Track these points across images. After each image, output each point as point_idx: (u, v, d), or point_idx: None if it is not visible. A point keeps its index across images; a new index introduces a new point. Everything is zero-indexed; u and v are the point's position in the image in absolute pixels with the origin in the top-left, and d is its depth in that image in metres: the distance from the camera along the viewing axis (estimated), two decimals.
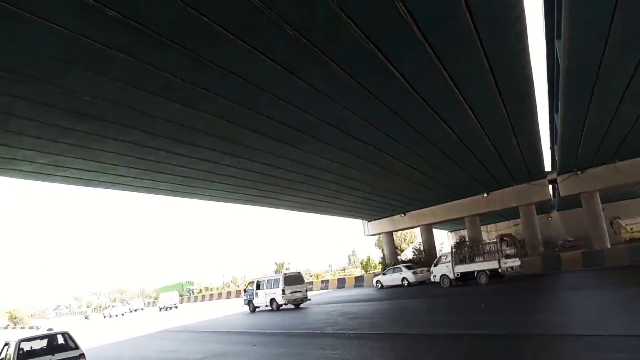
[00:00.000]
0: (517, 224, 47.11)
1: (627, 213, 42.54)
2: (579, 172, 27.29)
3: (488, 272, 23.22)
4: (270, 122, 13.61)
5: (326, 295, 33.09)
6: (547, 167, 27.94)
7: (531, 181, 29.70)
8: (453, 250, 25.49)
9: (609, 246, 27.65)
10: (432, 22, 9.10)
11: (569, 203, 38.99)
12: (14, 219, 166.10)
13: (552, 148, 24.41)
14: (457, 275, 24.56)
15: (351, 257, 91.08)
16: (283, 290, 24.88)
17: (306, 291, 26.18)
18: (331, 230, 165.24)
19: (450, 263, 24.91)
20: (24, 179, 17.21)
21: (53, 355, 10.59)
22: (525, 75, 12.40)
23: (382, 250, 44.31)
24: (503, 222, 54.90)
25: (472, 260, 24.30)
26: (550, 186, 30.80)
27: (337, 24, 8.50)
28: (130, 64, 9.06)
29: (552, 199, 34.50)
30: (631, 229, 39.15)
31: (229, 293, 56.87)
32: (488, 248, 24.41)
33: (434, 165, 22.07)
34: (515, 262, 23.01)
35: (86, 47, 8.13)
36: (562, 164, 26.08)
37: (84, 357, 10.75)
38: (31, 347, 11.13)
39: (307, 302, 25.72)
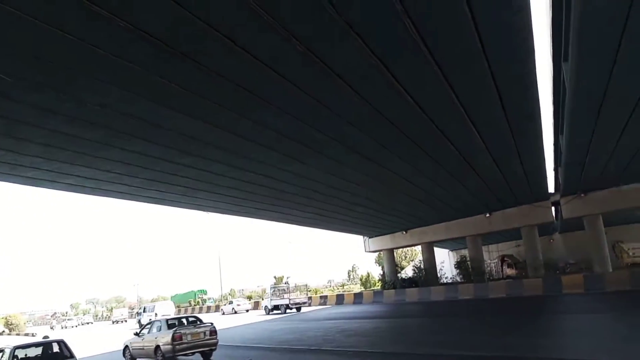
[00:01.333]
0: (518, 245, 46.82)
1: (629, 237, 42.34)
2: (582, 195, 27.21)
3: (285, 306, 36.49)
4: (276, 136, 13.66)
5: (324, 311, 32.88)
6: (551, 188, 27.87)
7: (534, 202, 29.64)
8: (271, 290, 40.24)
9: (610, 270, 27.50)
10: (440, 41, 9.18)
11: (571, 225, 38.77)
12: (13, 225, 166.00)
13: (556, 170, 24.38)
14: (272, 306, 37.94)
15: (351, 273, 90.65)
16: (156, 314, 36.50)
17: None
18: (332, 246, 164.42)
19: (270, 298, 38.81)
20: (27, 184, 17.18)
21: None
22: (531, 96, 12.46)
23: (382, 267, 44.12)
24: (505, 243, 54.58)
25: (278, 297, 37.88)
26: (553, 208, 30.70)
27: (346, 39, 8.59)
28: (141, 75, 9.14)
29: (555, 221, 34.37)
30: (633, 253, 39.01)
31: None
32: (284, 290, 38.56)
33: (437, 183, 22.08)
34: (302, 299, 37.65)
35: (98, 57, 8.21)
36: (566, 186, 26.03)
37: None
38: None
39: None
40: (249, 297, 60.94)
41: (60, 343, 11.38)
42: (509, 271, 45.06)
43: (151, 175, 16.42)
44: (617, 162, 20.31)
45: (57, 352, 11.28)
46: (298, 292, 39.01)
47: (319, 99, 11.35)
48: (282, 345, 15.96)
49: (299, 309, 36.56)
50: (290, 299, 36.63)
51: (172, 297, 78.02)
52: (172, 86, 9.78)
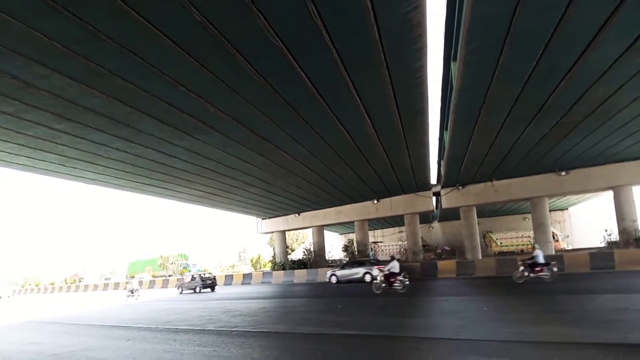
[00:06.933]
0: (401, 231, 49.82)
1: (498, 228, 47.00)
2: (460, 187, 29.60)
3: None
4: (168, 108, 13.04)
5: (212, 292, 32.46)
6: (433, 180, 29.85)
7: (417, 192, 31.63)
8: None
9: (480, 257, 30.20)
10: (341, 28, 9.29)
11: (449, 215, 41.99)
12: None
13: (439, 163, 26.08)
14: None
15: (242, 254, 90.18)
16: None
17: None
18: (222, 226, 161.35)
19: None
20: None
21: None
22: (421, 91, 13.12)
23: (274, 248, 44.47)
24: (389, 229, 57.75)
25: None
26: (434, 198, 32.96)
27: (247, 15, 8.37)
28: (18, 29, 8.19)
29: (435, 210, 36.91)
30: (501, 242, 43.37)
31: (106, 285, 53.82)
32: None
33: (330, 168, 22.57)
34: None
35: None
36: (446, 179, 28.00)
37: None
38: None
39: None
40: (132, 277, 58.19)
41: None
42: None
43: (24, 140, 14.93)
44: (492, 160, 22.25)
45: None
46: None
47: (216, 73, 10.99)
48: (165, 325, 15.44)
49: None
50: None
51: (131, 264, 68.99)
52: (53, 44, 8.89)
